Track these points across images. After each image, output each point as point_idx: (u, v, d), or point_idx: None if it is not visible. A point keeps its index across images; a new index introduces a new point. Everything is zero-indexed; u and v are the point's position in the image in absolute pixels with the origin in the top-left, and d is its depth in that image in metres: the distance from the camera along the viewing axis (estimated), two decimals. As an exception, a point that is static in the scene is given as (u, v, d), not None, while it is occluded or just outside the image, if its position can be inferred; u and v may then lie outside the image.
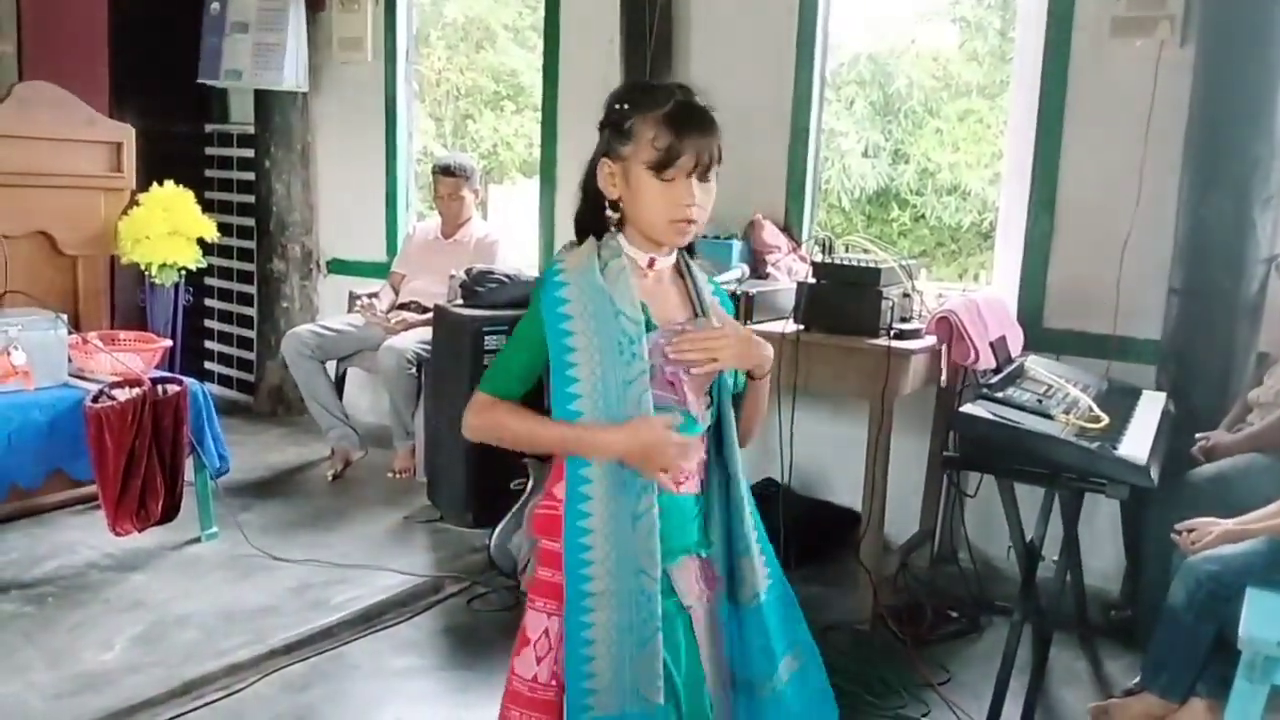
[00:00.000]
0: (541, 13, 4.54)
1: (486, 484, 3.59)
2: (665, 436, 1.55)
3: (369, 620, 3.06)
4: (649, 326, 1.58)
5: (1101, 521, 3.33)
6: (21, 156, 3.52)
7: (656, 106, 1.56)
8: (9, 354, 3.11)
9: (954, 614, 3.21)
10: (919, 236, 7.30)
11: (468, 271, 3.94)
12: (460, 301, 3.89)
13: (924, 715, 2.67)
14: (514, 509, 3.31)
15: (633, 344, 1.55)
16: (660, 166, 1.55)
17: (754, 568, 1.67)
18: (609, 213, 1.63)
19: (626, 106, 1.58)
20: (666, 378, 1.60)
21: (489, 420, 1.63)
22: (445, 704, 2.69)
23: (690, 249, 1.72)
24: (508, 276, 3.94)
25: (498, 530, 3.32)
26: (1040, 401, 2.60)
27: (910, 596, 3.33)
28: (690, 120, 1.57)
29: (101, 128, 3.83)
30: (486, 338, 3.65)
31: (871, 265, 3.21)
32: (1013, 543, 2.79)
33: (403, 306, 4.44)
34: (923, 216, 7.19)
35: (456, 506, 3.76)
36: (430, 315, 4.04)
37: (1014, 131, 3.68)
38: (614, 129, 1.59)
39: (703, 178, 1.58)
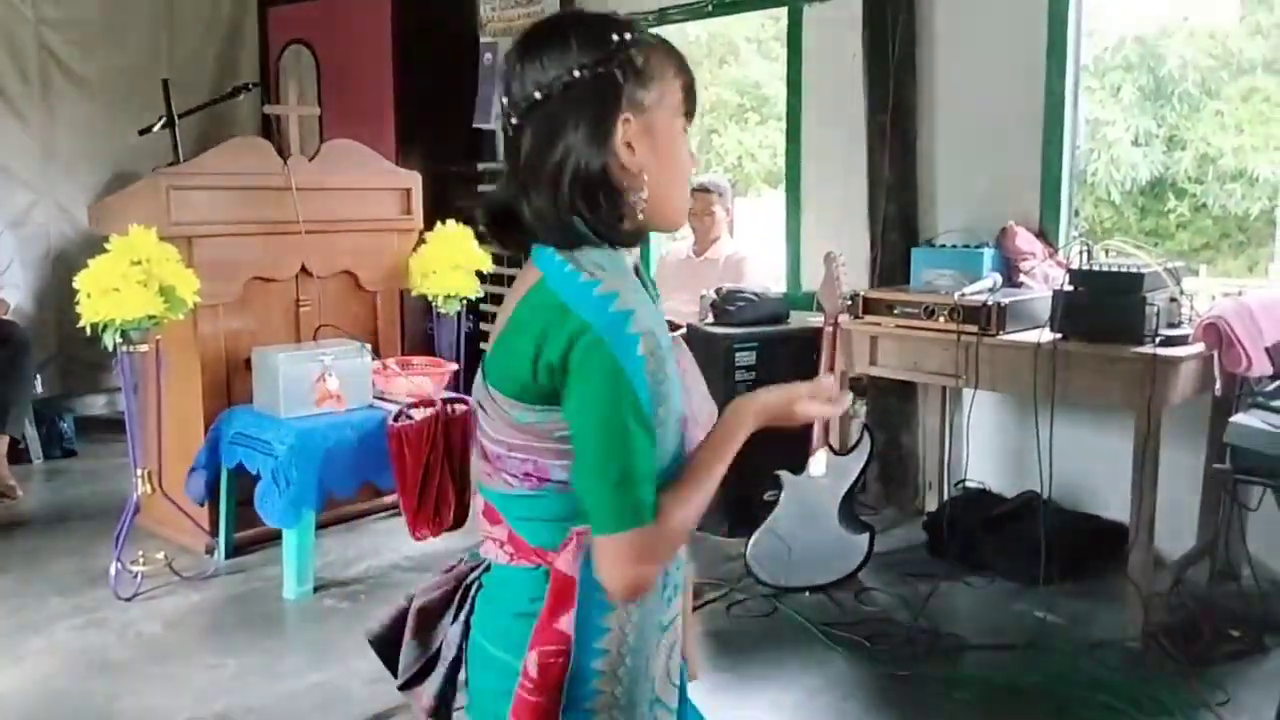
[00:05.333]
0: (784, 25, 4.65)
1: (741, 495, 3.72)
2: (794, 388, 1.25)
3: (636, 623, 3.26)
4: None
5: None
6: (329, 206, 4.00)
7: (645, 34, 1.18)
8: (325, 380, 3.56)
9: (1235, 634, 3.03)
10: (1200, 228, 6.83)
11: (717, 291, 4.11)
12: (711, 320, 4.06)
13: (1199, 737, 2.57)
14: (767, 520, 3.44)
15: (675, 379, 1.15)
16: (691, 111, 1.20)
17: None
18: (632, 199, 1.17)
19: (630, 36, 1.16)
20: (690, 411, 1.24)
21: (671, 526, 1.12)
22: (705, 704, 2.82)
23: None
24: (755, 294, 4.08)
25: (753, 540, 3.46)
26: (1325, 410, 2.45)
27: (1186, 615, 3.17)
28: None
29: (393, 176, 4.29)
30: (737, 354, 3.84)
31: (1133, 270, 3.11)
32: (1299, 560, 2.64)
33: (658, 325, 4.66)
34: (1204, 206, 6.73)
35: (713, 516, 3.93)
36: (683, 333, 4.23)
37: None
38: (627, 69, 1.15)
39: None
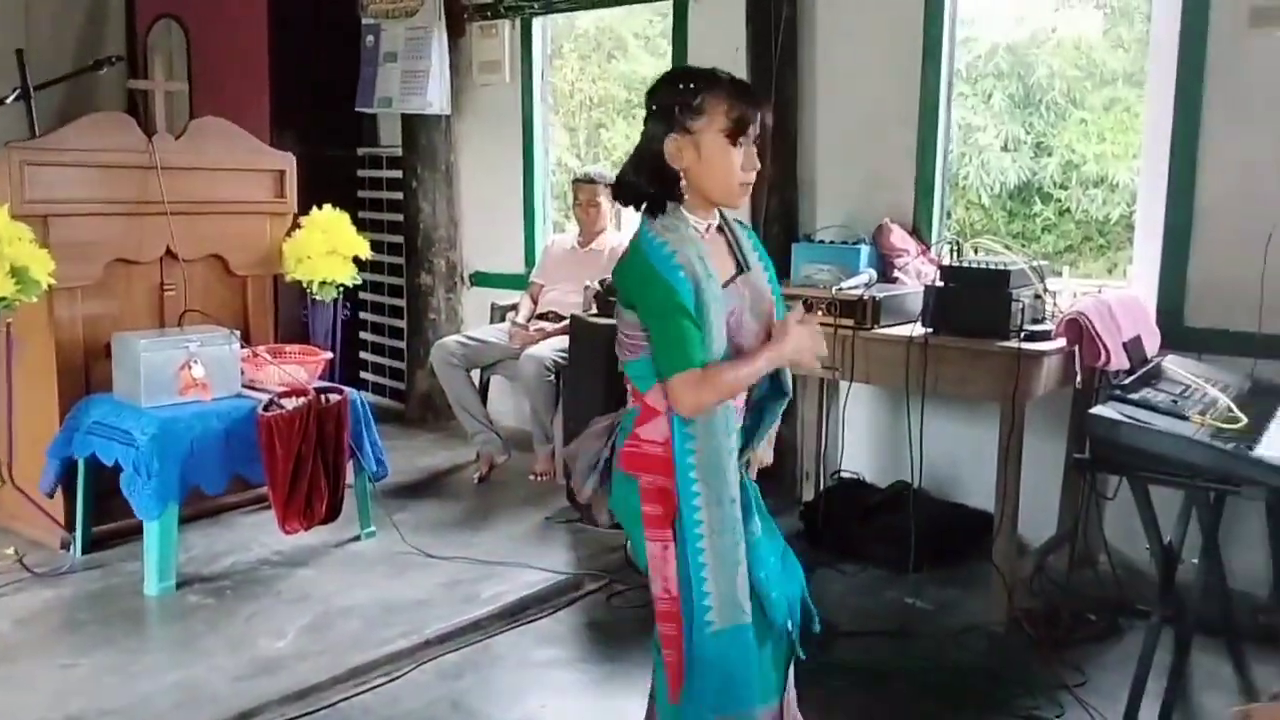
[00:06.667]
0: (670, 21, 4.66)
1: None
2: (807, 329, 1.91)
3: (515, 614, 3.24)
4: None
5: (1251, 523, 3.23)
6: (197, 186, 3.84)
7: (720, 84, 1.86)
8: (189, 368, 3.42)
9: (1092, 617, 3.17)
10: (1064, 231, 7.10)
11: (601, 282, 4.10)
12: (595, 311, 4.05)
13: (1058, 717, 2.66)
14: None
15: (717, 298, 1.84)
16: (735, 133, 1.84)
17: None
18: (681, 182, 1.87)
19: (694, 85, 1.85)
20: (729, 323, 1.89)
21: (710, 386, 1.81)
22: (587, 695, 2.83)
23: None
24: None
25: (634, 530, 3.46)
26: (1175, 402, 2.56)
27: (1047, 599, 3.31)
28: (752, 93, 1.90)
29: (266, 157, 4.14)
30: (621, 345, 3.80)
31: (1001, 267, 3.21)
32: (1149, 545, 2.75)
33: (541, 316, 4.64)
34: (1068, 210, 7.01)
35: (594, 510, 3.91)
36: (566, 324, 4.21)
37: (1151, 124, 3.60)
38: (683, 106, 1.85)
39: (755, 145, 1.89)
